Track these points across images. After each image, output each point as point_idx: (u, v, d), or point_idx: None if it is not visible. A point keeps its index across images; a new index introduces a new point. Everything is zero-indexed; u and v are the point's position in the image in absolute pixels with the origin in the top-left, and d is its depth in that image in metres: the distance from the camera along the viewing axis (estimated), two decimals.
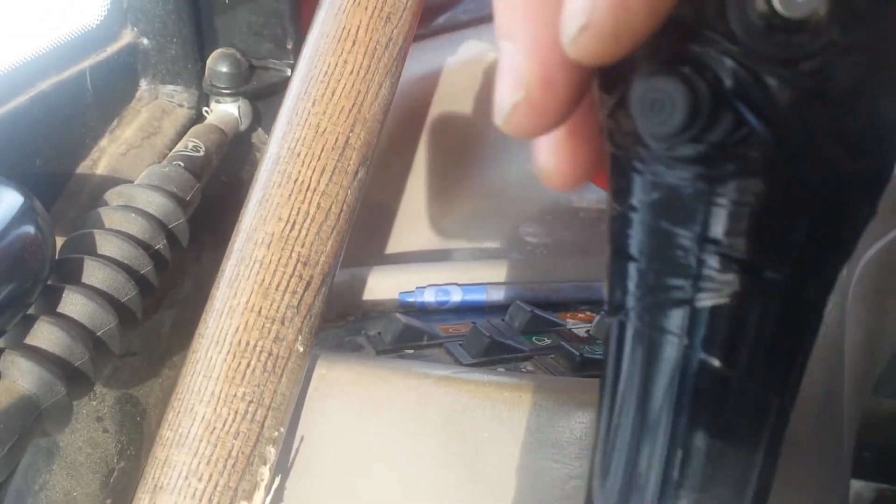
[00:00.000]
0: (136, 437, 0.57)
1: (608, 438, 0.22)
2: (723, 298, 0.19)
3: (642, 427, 0.21)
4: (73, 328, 0.44)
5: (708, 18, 0.17)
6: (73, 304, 0.45)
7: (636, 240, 0.20)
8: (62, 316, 0.45)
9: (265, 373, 0.39)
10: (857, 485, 0.75)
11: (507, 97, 0.19)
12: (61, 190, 0.60)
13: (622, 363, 0.21)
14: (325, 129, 0.43)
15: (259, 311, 0.39)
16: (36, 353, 0.42)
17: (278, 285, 0.40)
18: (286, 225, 0.41)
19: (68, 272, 0.47)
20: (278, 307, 0.40)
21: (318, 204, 0.42)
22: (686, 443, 0.20)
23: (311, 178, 0.42)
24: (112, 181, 0.60)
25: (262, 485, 0.38)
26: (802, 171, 0.18)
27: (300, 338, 0.40)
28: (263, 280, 0.40)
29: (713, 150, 0.18)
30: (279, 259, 0.40)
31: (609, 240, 0.21)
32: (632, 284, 0.21)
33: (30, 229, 0.44)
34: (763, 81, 0.17)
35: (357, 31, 0.45)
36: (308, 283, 0.41)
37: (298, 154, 0.42)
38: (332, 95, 0.43)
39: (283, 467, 0.43)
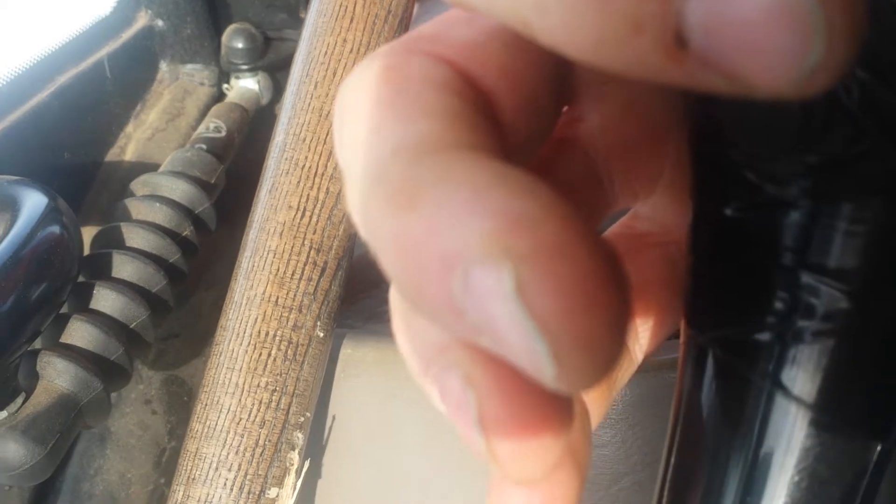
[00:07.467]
0: (185, 416, 0.59)
1: (676, 478, 0.20)
2: (821, 332, 0.16)
3: (713, 473, 0.18)
4: (106, 323, 0.45)
5: None
6: (105, 299, 0.46)
7: (725, 256, 0.18)
8: (95, 312, 0.46)
9: (286, 361, 0.39)
10: None
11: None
12: (92, 180, 0.61)
13: (697, 394, 0.19)
14: (329, 112, 0.42)
15: (276, 301, 0.40)
16: (71, 352, 0.44)
17: (293, 274, 0.40)
18: (296, 213, 0.41)
19: (98, 268, 0.48)
20: (294, 295, 0.40)
21: (328, 189, 0.42)
22: (764, 495, 0.18)
23: (318, 163, 0.42)
24: (141, 166, 0.62)
25: (293, 469, 0.39)
26: None
27: (319, 323, 0.41)
28: (278, 270, 0.40)
29: (826, 164, 0.15)
30: (292, 248, 0.41)
31: (691, 247, 0.19)
32: (716, 306, 0.18)
33: (55, 229, 0.45)
34: (892, 87, 0.14)
35: (354, 7, 0.44)
36: (323, 269, 0.41)
37: (304, 140, 0.42)
38: (334, 76, 0.43)
39: (317, 447, 0.44)
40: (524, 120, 0.16)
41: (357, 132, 0.15)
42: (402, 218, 0.13)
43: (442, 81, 0.15)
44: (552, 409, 0.14)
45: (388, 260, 0.13)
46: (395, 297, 0.17)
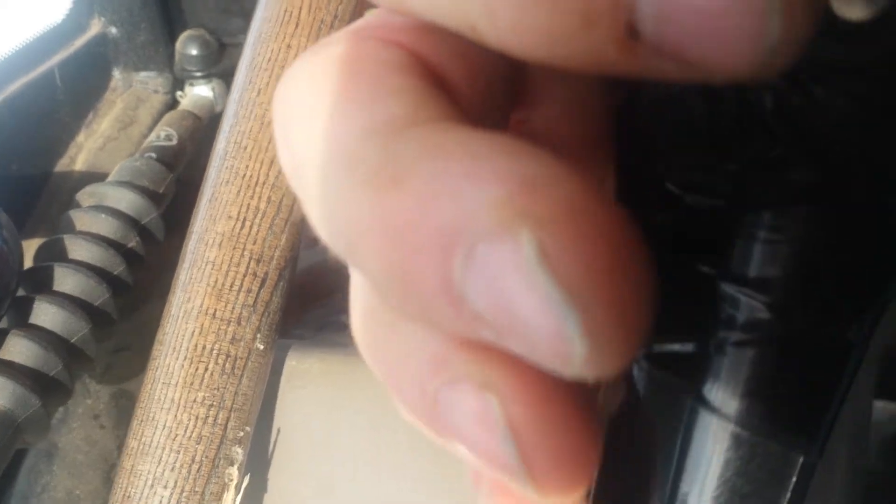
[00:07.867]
0: None
1: (599, 492, 0.19)
2: (742, 343, 0.16)
3: (636, 487, 0.18)
4: (45, 339, 0.44)
5: None
6: (45, 314, 0.45)
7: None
8: (34, 327, 0.45)
9: (224, 375, 0.38)
10: None
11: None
12: (41, 191, 0.60)
13: (622, 407, 0.18)
14: (272, 120, 0.42)
15: (213, 314, 0.39)
16: (9, 368, 0.42)
17: (231, 285, 0.39)
18: (236, 223, 0.40)
19: (39, 281, 0.47)
20: (233, 308, 0.39)
21: (269, 198, 0.41)
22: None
23: (259, 171, 0.41)
24: (91, 176, 0.60)
25: (232, 485, 0.39)
26: (856, 200, 0.15)
27: (259, 336, 0.40)
28: (216, 282, 0.39)
29: (743, 172, 0.15)
30: (231, 258, 0.40)
31: None
32: None
33: None
34: (805, 92, 0.14)
35: (299, 13, 0.43)
36: (263, 281, 0.40)
37: (245, 148, 0.41)
38: (277, 83, 0.42)
39: (262, 460, 0.43)
40: (481, 107, 0.15)
41: (312, 124, 0.13)
42: (385, 198, 0.11)
43: (400, 63, 0.14)
44: (583, 406, 0.13)
45: (368, 252, 0.12)
46: (362, 323, 0.15)
